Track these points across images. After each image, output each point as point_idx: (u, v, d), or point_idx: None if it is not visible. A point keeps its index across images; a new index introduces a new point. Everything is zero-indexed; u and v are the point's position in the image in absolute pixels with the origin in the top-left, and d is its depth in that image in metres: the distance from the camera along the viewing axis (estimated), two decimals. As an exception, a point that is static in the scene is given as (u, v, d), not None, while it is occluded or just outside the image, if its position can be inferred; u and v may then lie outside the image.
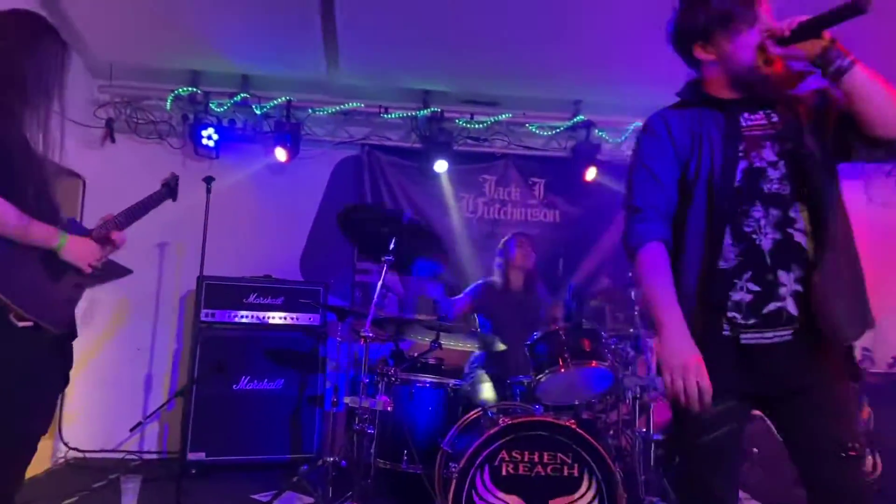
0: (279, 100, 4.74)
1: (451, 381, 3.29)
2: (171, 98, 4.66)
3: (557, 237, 5.16)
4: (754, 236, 1.62)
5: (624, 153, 5.20)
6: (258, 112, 4.76)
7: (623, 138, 5.10)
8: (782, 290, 1.60)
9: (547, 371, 3.08)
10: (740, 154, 1.66)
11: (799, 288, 1.60)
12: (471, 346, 3.78)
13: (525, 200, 5.26)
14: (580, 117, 5.01)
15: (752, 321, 1.61)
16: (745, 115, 1.69)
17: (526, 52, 4.34)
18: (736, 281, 1.62)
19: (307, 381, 4.27)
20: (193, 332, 4.14)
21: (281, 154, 4.72)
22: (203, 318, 4.15)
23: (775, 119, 1.68)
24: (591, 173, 4.95)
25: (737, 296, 1.62)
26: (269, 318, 4.30)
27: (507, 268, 4.08)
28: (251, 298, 4.30)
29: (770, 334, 1.60)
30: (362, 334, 2.85)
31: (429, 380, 3.27)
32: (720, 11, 1.67)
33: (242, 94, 4.69)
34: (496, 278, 4.14)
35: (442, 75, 4.78)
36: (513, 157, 5.22)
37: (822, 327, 1.56)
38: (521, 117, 5.08)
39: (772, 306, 1.60)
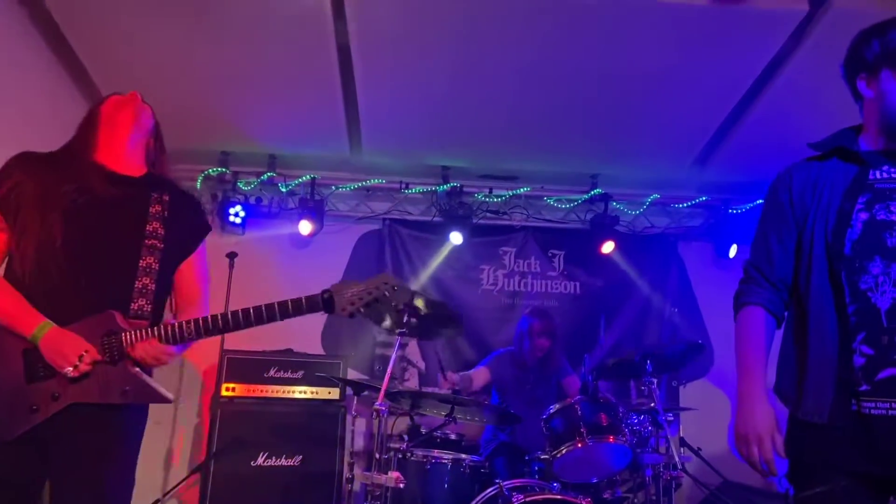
0: (304, 178, 4.92)
1: (468, 457, 3.23)
2: (200, 178, 4.87)
3: (578, 309, 5.14)
4: (870, 294, 1.51)
5: (642, 224, 5.23)
6: (284, 190, 4.93)
7: (640, 210, 5.13)
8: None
9: (564, 447, 3.01)
10: (860, 206, 1.56)
11: None
12: (485, 420, 3.73)
13: (545, 272, 5.28)
14: (597, 190, 5.07)
15: (864, 388, 1.48)
16: (885, 167, 1.60)
17: (542, 128, 4.47)
18: (852, 344, 1.51)
19: (326, 456, 4.22)
20: (213, 406, 4.16)
21: (305, 227, 4.84)
22: (224, 392, 4.18)
23: None
24: (607, 247, 4.97)
25: (853, 360, 1.51)
26: (288, 392, 4.30)
27: (528, 340, 4.07)
28: (272, 372, 4.32)
29: (885, 405, 1.46)
30: (375, 407, 2.84)
31: (444, 455, 3.22)
32: (893, 48, 1.61)
33: (269, 173, 4.88)
34: (512, 351, 4.12)
35: (461, 152, 4.93)
36: (532, 229, 5.28)
37: None
38: (540, 191, 5.17)
39: (885, 373, 1.47)
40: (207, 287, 2.11)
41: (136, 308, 1.85)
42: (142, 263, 1.88)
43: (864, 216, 1.55)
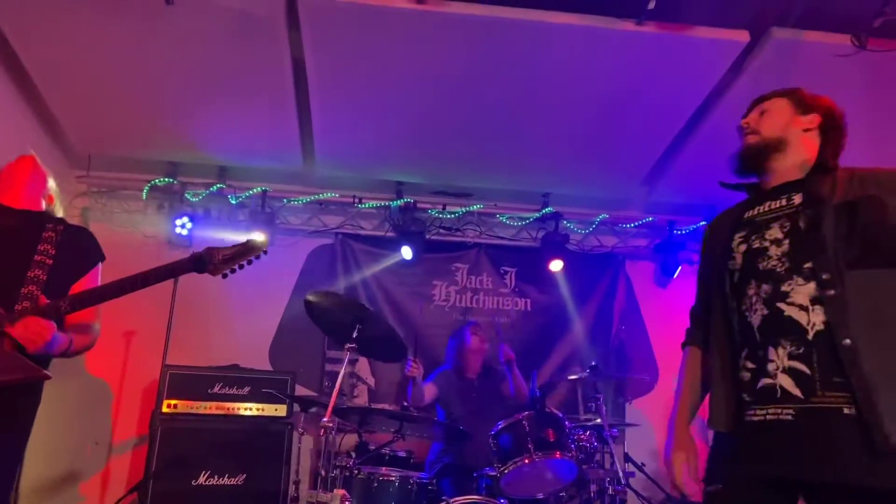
0: (255, 190, 4.85)
1: (415, 475, 3.20)
2: (147, 188, 4.75)
3: (528, 325, 5.18)
4: (747, 313, 1.66)
5: (591, 243, 5.33)
6: (233, 202, 4.85)
7: (590, 229, 5.23)
8: (770, 367, 1.58)
9: (511, 463, 3.01)
10: (740, 238, 1.74)
11: (796, 364, 1.55)
12: (434, 437, 3.71)
13: (497, 289, 5.31)
14: (549, 209, 5.15)
15: (749, 398, 1.63)
16: (768, 202, 1.75)
17: (496, 147, 4.53)
18: (739, 361, 1.68)
19: (271, 475, 4.11)
20: (154, 423, 4.03)
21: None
22: (165, 409, 4.05)
23: (795, 200, 1.69)
24: (555, 265, 5.03)
25: (741, 375, 1.67)
26: (233, 409, 4.19)
27: (462, 354, 4.10)
28: (216, 388, 4.20)
29: (763, 411, 1.58)
30: (322, 424, 2.79)
31: (391, 473, 3.18)
32: None
33: (219, 185, 4.79)
34: (450, 365, 4.15)
35: (415, 168, 4.95)
36: (484, 246, 5.32)
37: (864, 419, 1.45)
38: (493, 208, 5.22)
39: (762, 382, 1.60)
40: (96, 310, 2.24)
41: (20, 309, 2.01)
42: (30, 274, 2.08)
43: (742, 247, 1.72)
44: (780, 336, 1.58)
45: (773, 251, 1.65)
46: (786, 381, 1.56)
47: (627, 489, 3.23)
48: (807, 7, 3.50)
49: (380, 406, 3.92)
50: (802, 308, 1.56)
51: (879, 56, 3.61)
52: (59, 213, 2.45)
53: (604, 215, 5.16)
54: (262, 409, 4.23)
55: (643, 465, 4.13)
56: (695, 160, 4.58)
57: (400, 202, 5.02)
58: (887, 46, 3.59)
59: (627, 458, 4.04)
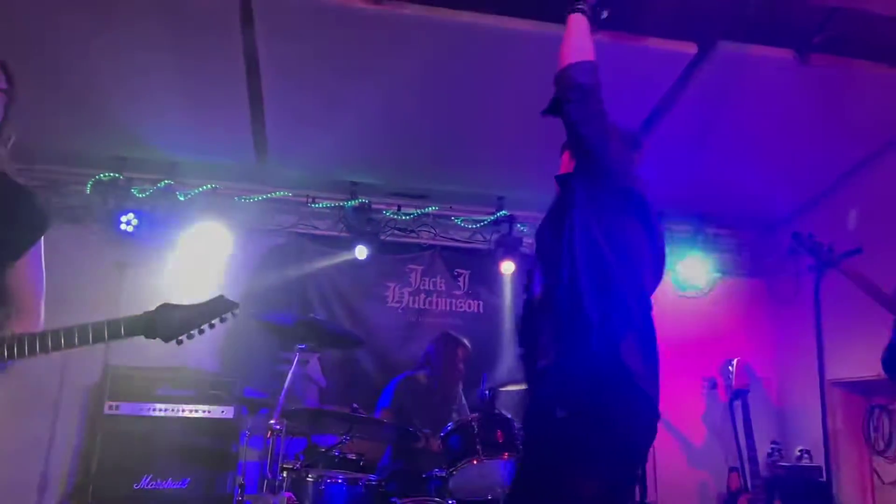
0: (205, 187, 4.75)
1: (364, 477, 3.19)
2: (91, 183, 4.61)
3: (480, 328, 5.21)
4: None
5: (545, 247, 5.40)
6: (182, 198, 4.74)
7: (543, 233, 5.29)
8: None
9: (459, 464, 3.03)
10: None
11: None
12: (384, 439, 3.70)
13: (450, 291, 5.33)
14: (503, 212, 5.19)
15: None
16: None
17: (452, 149, 4.55)
18: None
19: (216, 479, 4.04)
20: (93, 425, 3.90)
21: (212, 240, 4.67)
22: (107, 411, 3.94)
23: None
24: (506, 267, 5.08)
25: None
26: (179, 410, 4.10)
27: (438, 368, 4.08)
28: (161, 390, 4.11)
29: None
30: (269, 425, 2.76)
31: (340, 475, 3.16)
32: None
33: (167, 181, 4.68)
34: (420, 373, 4.12)
35: (370, 168, 4.92)
36: (439, 248, 5.32)
37: None
38: (448, 210, 5.23)
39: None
40: (42, 292, 1.95)
41: None
42: None
43: None
44: None
45: None
46: None
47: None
48: (753, 22, 3.62)
49: (329, 408, 3.88)
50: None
51: (820, 71, 3.76)
52: None
53: (556, 220, 5.22)
54: (210, 412, 4.15)
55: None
56: (642, 168, 4.67)
57: (354, 202, 4.99)
58: (827, 62, 3.74)
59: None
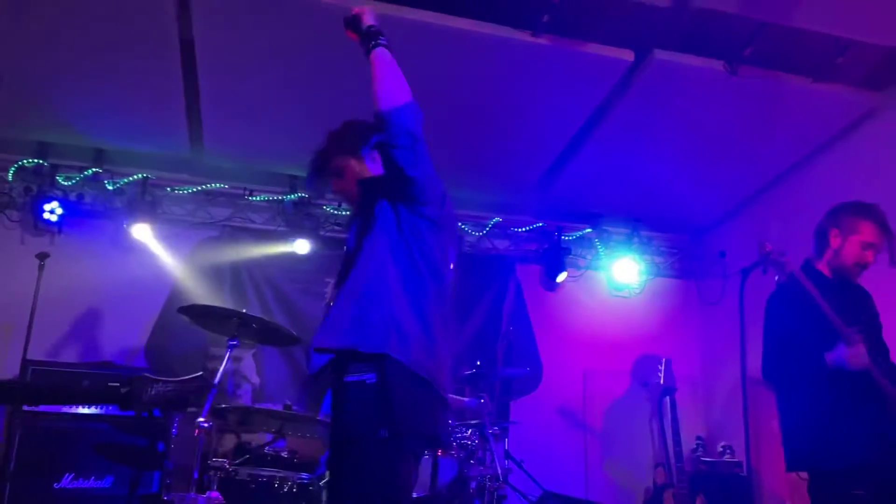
0: (135, 176, 4.58)
1: (295, 475, 3.14)
2: (13, 169, 4.38)
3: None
4: None
5: (485, 245, 5.45)
6: (110, 187, 4.55)
7: (483, 232, 5.33)
8: None
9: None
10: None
11: None
12: (318, 436, 3.65)
13: (390, 288, 5.29)
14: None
15: None
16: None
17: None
18: None
19: (141, 478, 3.89)
20: (11, 423, 3.72)
21: (139, 232, 4.51)
22: (26, 408, 3.75)
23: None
24: (444, 266, 5.09)
25: None
26: (102, 408, 3.94)
27: None
28: (84, 387, 3.94)
29: None
30: (196, 424, 2.68)
31: (270, 474, 3.10)
32: None
33: (94, 169, 4.50)
34: None
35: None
36: (380, 244, 5.28)
37: None
38: (389, 207, 5.19)
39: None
40: None
41: None
42: None
43: None
44: None
45: None
46: None
47: (506, 486, 3.32)
48: (687, 32, 3.74)
49: (261, 406, 3.80)
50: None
51: (749, 83, 3.92)
52: None
53: (497, 219, 5.29)
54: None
55: (522, 461, 4.26)
56: (583, 170, 4.78)
57: (293, 196, 4.91)
58: (756, 74, 3.91)
59: (508, 455, 4.15)
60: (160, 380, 1.83)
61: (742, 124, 4.28)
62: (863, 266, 2.57)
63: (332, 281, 2.08)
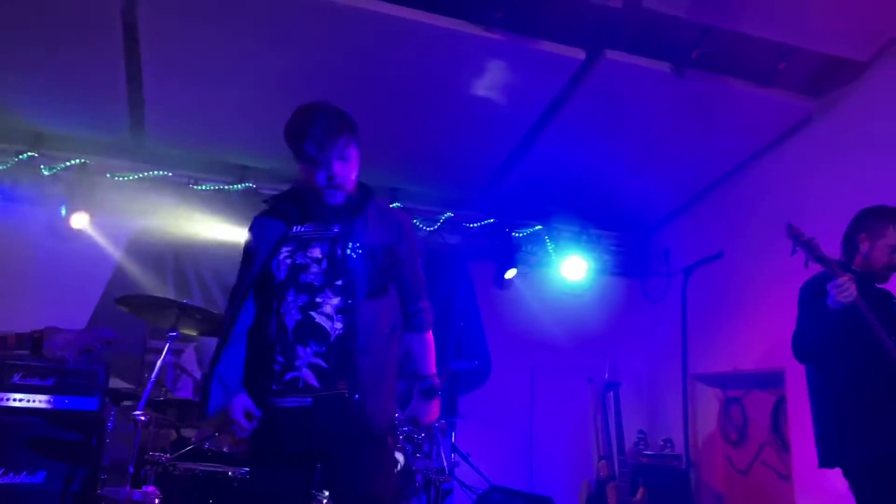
0: (73, 161, 4.39)
1: (236, 470, 3.07)
2: (-60, 151, 4.15)
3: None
4: (285, 316, 1.96)
5: (437, 241, 5.43)
6: (46, 173, 4.36)
7: (436, 227, 5.32)
8: (297, 362, 1.93)
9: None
10: (285, 254, 2.02)
11: (318, 362, 1.93)
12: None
13: (337, 281, 5.23)
14: (396, 204, 5.16)
15: (276, 387, 1.94)
16: (307, 224, 2.08)
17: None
18: (272, 353, 1.96)
19: (76, 473, 3.76)
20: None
21: (79, 220, 4.33)
22: (-50, 402, 3.56)
23: (336, 229, 2.06)
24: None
25: (274, 366, 1.95)
26: (36, 401, 3.78)
27: None
28: (15, 379, 3.77)
29: (290, 399, 1.93)
30: (132, 417, 2.60)
31: (209, 468, 3.03)
32: None
33: (29, 153, 4.29)
34: None
35: (259, 152, 4.74)
36: (329, 237, 5.21)
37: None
38: (341, 199, 5.13)
39: (289, 375, 1.94)
40: None
41: None
42: None
43: (287, 262, 2.02)
44: (308, 338, 1.95)
45: (314, 268, 2.01)
46: (308, 376, 1.93)
47: (452, 479, 3.32)
48: (636, 33, 3.81)
49: (199, 399, 3.70)
50: (328, 317, 1.96)
51: (695, 85, 4.01)
52: None
53: (449, 214, 5.27)
54: (69, 402, 3.85)
55: (469, 454, 4.28)
56: (534, 168, 4.81)
57: (241, 187, 4.79)
58: (702, 77, 4.00)
59: (454, 449, 4.16)
60: (68, 330, 2.00)
61: (688, 126, 4.38)
62: (893, 269, 2.63)
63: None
